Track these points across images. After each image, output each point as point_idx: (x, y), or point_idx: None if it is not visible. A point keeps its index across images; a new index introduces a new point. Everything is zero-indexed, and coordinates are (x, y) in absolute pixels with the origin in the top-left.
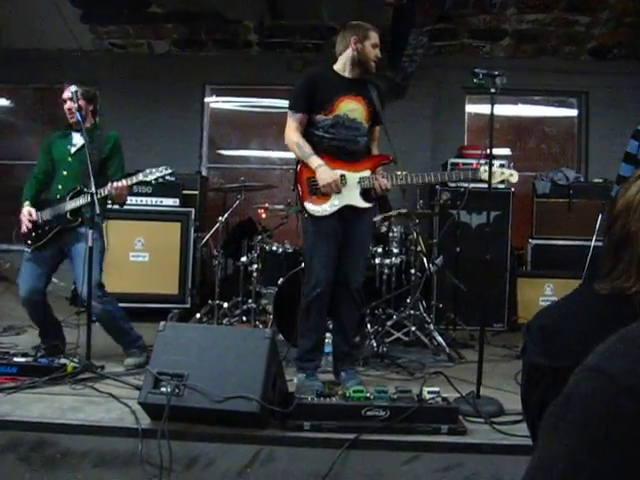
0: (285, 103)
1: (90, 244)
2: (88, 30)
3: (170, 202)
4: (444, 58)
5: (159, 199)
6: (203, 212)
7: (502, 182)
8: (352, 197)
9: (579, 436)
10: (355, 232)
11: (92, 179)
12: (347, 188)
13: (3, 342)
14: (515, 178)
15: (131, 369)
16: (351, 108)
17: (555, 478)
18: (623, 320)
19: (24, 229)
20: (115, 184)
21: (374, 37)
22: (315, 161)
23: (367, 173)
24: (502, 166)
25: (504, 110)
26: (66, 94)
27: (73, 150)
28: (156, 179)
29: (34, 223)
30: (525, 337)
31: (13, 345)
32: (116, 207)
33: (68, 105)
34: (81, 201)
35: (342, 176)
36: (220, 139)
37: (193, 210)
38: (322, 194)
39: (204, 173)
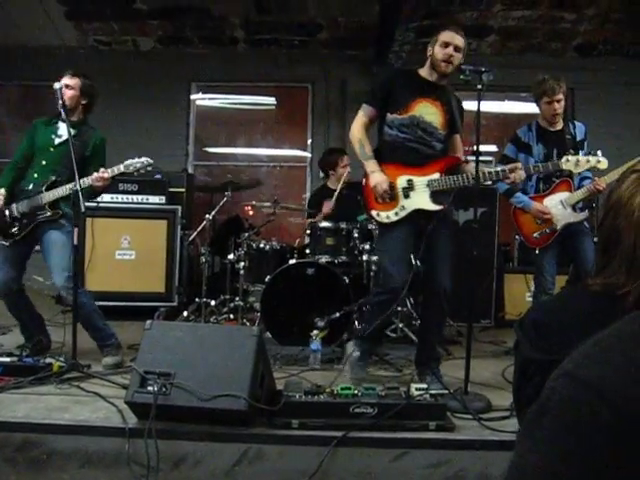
0: (271, 100)
1: (75, 242)
2: (73, 27)
3: (156, 200)
4: None
5: (145, 197)
6: (190, 210)
7: (589, 170)
8: (421, 201)
9: (554, 443)
10: (433, 236)
11: (76, 172)
12: (416, 192)
13: None
14: (604, 164)
15: (110, 368)
16: (428, 111)
17: None
18: (616, 316)
19: None
20: (95, 175)
21: (445, 36)
22: (370, 165)
23: (436, 175)
24: (588, 153)
25: (490, 106)
26: (67, 81)
27: (57, 141)
28: (137, 170)
29: (2, 215)
30: (518, 333)
31: None
32: (104, 204)
33: (66, 93)
34: (59, 192)
35: (409, 181)
36: (206, 136)
37: (180, 208)
38: (390, 199)
39: (190, 170)
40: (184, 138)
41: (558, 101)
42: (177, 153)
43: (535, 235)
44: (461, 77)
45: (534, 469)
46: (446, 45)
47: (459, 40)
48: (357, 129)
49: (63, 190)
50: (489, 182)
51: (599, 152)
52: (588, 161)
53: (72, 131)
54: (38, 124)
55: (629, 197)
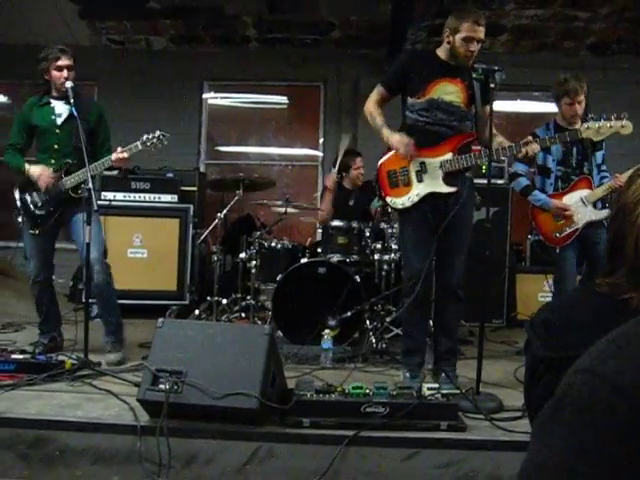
0: (284, 99)
1: (87, 240)
2: (86, 26)
3: (168, 198)
4: None
5: (157, 195)
6: (202, 208)
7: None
8: (434, 184)
9: (570, 438)
10: (449, 222)
11: (85, 154)
12: (428, 175)
13: (1, 339)
14: (629, 128)
15: (113, 365)
16: (447, 91)
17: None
18: (622, 317)
19: (49, 187)
20: (114, 156)
21: (467, 29)
22: (385, 132)
23: (449, 156)
24: (608, 119)
25: (503, 106)
26: (66, 61)
27: (59, 121)
28: (154, 145)
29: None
30: (529, 332)
31: (11, 342)
32: (117, 202)
33: (65, 74)
34: (80, 177)
35: (422, 163)
36: (218, 135)
37: (192, 206)
38: (403, 185)
39: (202, 169)
40: (196, 137)
41: (579, 102)
42: (189, 152)
43: (556, 234)
44: (474, 76)
45: (550, 464)
46: (469, 39)
47: (481, 32)
48: (369, 104)
49: (83, 174)
50: (503, 158)
51: (624, 114)
52: (610, 126)
53: (73, 109)
54: (30, 105)
55: (635, 202)
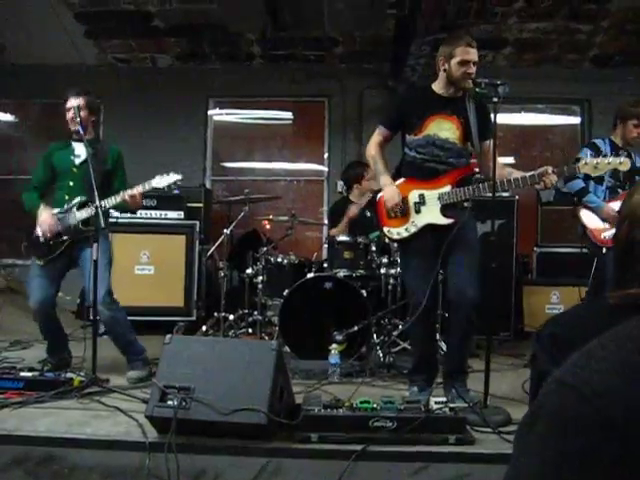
0: (288, 115)
1: (95, 257)
2: (92, 45)
3: (175, 215)
4: None
5: (164, 212)
6: (208, 224)
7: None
8: (432, 215)
9: (544, 447)
10: (454, 246)
11: (95, 190)
12: (427, 207)
13: (10, 357)
14: (627, 165)
15: (134, 382)
16: (443, 127)
17: None
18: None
19: (47, 234)
20: (129, 192)
21: (461, 52)
22: (383, 179)
23: (447, 189)
24: (605, 156)
25: (507, 119)
26: (69, 103)
27: (78, 161)
28: (168, 186)
29: (35, 236)
30: (535, 346)
31: (20, 360)
32: (123, 220)
33: (70, 115)
34: (91, 211)
35: (421, 195)
36: (224, 151)
37: (198, 223)
38: (401, 216)
39: (208, 186)
40: (202, 153)
41: None
42: (195, 168)
43: (604, 235)
44: (477, 90)
45: (526, 473)
46: (464, 62)
47: (474, 53)
48: (371, 147)
49: (93, 209)
50: (505, 193)
51: (622, 153)
52: (608, 163)
53: (90, 150)
54: (53, 149)
55: None
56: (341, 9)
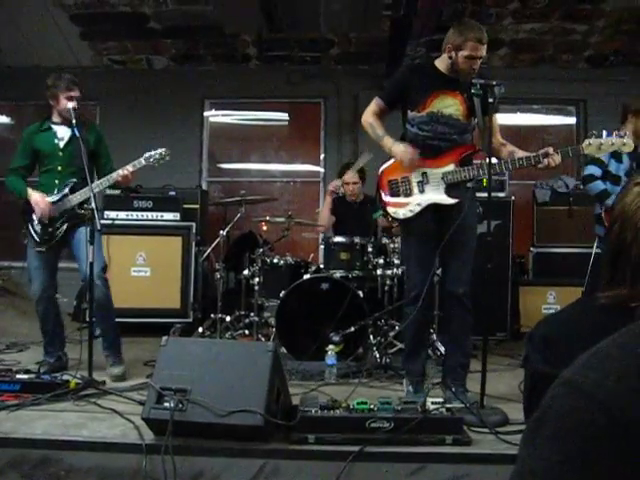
0: (284, 116)
1: (91, 259)
2: (88, 47)
3: (171, 216)
4: None
5: (160, 214)
6: (204, 226)
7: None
8: (436, 195)
9: (553, 450)
10: (453, 232)
11: (87, 174)
12: (430, 186)
13: (6, 359)
14: (630, 146)
15: (118, 379)
16: (446, 104)
17: None
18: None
19: (44, 219)
20: (120, 172)
21: (471, 48)
22: (386, 141)
23: (451, 167)
24: (609, 135)
25: (503, 119)
26: (75, 92)
27: (62, 144)
28: (157, 161)
29: (32, 224)
30: (527, 346)
31: (16, 362)
32: (119, 221)
33: (74, 104)
34: (85, 194)
35: (424, 174)
36: (220, 153)
37: (194, 224)
38: (405, 195)
39: (204, 187)
40: (198, 155)
41: None
42: (191, 170)
43: None
44: (473, 91)
45: (534, 475)
46: (472, 58)
47: (484, 49)
48: (367, 115)
49: (88, 191)
50: (506, 171)
51: (626, 132)
52: (612, 143)
53: (82, 135)
54: (31, 132)
55: (635, 210)
56: (337, 10)
